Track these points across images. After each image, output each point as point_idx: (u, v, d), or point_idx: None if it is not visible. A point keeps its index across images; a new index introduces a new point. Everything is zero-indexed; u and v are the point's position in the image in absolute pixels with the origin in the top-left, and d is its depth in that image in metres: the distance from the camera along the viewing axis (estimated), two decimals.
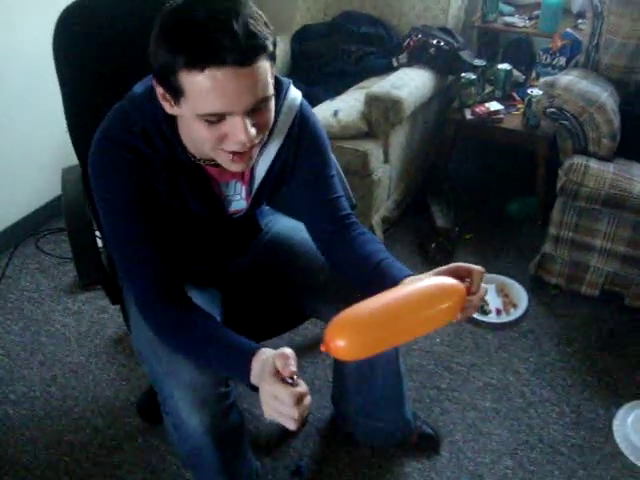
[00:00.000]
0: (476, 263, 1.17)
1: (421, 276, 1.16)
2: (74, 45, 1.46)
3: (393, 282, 1.19)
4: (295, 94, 1.28)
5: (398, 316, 1.04)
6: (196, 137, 1.10)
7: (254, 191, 1.31)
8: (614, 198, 2.04)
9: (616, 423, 1.89)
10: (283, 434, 1.88)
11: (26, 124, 2.63)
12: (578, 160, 2.12)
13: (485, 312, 2.27)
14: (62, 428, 1.93)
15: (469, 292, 1.13)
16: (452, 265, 1.17)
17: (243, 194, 1.32)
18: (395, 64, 2.67)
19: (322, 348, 1.02)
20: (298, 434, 1.88)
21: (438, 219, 2.56)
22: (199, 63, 0.96)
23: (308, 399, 1.03)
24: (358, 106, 2.44)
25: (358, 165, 2.37)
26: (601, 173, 2.07)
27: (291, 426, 1.02)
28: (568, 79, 2.25)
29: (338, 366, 1.71)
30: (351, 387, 1.68)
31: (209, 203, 1.28)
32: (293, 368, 1.03)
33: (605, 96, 2.21)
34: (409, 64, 2.65)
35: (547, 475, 1.77)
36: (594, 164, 2.11)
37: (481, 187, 3.03)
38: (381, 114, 2.37)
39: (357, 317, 1.03)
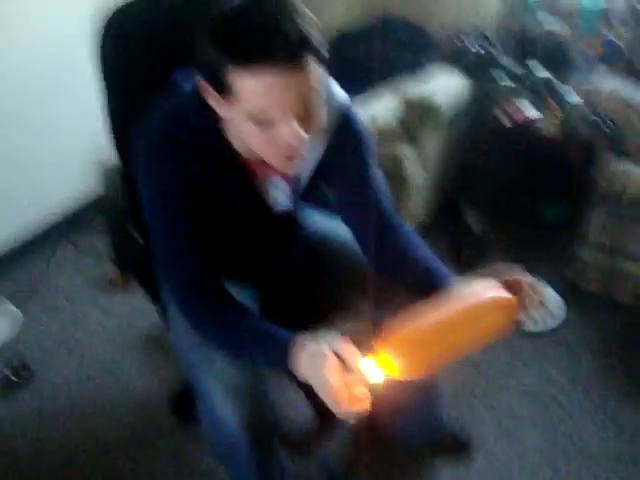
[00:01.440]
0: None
1: (471, 284, 1.14)
2: (117, 50, 1.45)
3: (442, 289, 1.18)
4: (341, 95, 1.29)
5: (452, 334, 1.04)
6: (246, 138, 1.10)
7: (299, 190, 1.32)
8: None
9: None
10: (313, 435, 1.88)
11: (66, 128, 2.68)
12: (619, 167, 2.10)
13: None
14: (97, 425, 1.95)
15: (521, 304, 1.12)
16: (504, 275, 1.15)
17: (287, 192, 1.33)
18: (432, 70, 2.67)
19: (371, 375, 1.00)
20: (330, 435, 1.87)
21: (472, 224, 2.54)
22: (249, 63, 0.96)
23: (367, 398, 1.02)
24: (394, 110, 2.44)
25: (392, 169, 2.36)
26: None
27: (351, 420, 1.02)
28: (610, 87, 2.23)
29: None
30: (389, 390, 1.67)
31: (255, 202, 1.29)
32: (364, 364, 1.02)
33: None
34: (446, 69, 2.65)
35: None
36: (634, 170, 2.08)
37: (515, 192, 3.00)
38: (417, 119, 2.37)
39: (414, 336, 1.02)
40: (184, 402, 1.96)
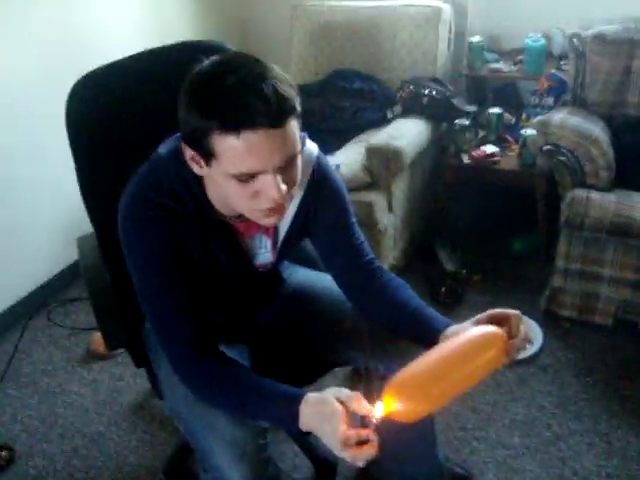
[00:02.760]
0: (487, 303, 1.21)
1: (461, 326, 1.19)
2: (87, 117, 1.46)
3: (433, 333, 1.22)
4: (311, 147, 1.33)
5: (450, 373, 1.07)
6: (228, 195, 1.12)
7: (280, 244, 1.34)
8: (619, 226, 2.10)
9: None
10: None
11: (32, 198, 2.67)
12: (579, 193, 2.18)
13: None
14: None
15: (510, 336, 1.15)
16: (489, 312, 1.19)
17: (269, 247, 1.35)
18: (390, 116, 2.75)
19: (377, 416, 1.04)
20: None
21: (446, 263, 2.60)
22: (233, 127, 0.99)
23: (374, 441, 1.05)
24: (359, 159, 2.50)
25: (363, 216, 2.41)
26: (603, 203, 2.13)
27: (360, 464, 1.05)
28: (560, 117, 2.33)
29: None
30: (383, 433, 1.67)
31: (237, 258, 1.31)
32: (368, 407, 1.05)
33: (598, 130, 2.29)
34: (403, 115, 2.73)
35: None
36: (595, 195, 2.17)
37: (484, 228, 3.08)
38: (382, 165, 2.43)
39: (413, 380, 1.06)
40: (178, 468, 1.93)
